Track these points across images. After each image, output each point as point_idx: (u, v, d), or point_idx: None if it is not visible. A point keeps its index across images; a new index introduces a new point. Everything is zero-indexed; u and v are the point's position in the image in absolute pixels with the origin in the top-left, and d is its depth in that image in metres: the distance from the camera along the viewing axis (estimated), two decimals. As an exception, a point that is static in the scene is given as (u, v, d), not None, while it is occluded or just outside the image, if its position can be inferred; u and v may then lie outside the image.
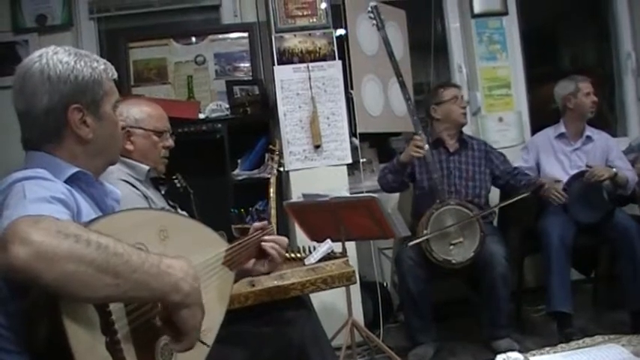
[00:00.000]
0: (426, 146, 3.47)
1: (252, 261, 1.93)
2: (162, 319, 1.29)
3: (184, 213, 2.24)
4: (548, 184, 3.63)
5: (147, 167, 2.31)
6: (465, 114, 3.85)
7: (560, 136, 3.96)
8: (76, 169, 1.45)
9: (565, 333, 3.32)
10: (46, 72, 1.43)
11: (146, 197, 2.21)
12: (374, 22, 3.58)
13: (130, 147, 2.30)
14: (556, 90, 3.99)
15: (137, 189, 2.21)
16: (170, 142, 2.43)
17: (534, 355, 1.81)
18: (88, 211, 1.40)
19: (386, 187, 3.76)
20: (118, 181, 2.08)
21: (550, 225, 3.54)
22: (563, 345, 1.95)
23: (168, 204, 2.38)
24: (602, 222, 3.57)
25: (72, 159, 1.47)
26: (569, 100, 3.90)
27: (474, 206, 3.50)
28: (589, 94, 3.87)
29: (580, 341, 1.94)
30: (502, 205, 3.57)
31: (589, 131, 3.95)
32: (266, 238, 1.95)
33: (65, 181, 1.41)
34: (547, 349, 1.88)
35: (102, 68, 1.52)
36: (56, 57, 1.46)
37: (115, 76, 1.58)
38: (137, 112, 2.35)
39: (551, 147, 3.96)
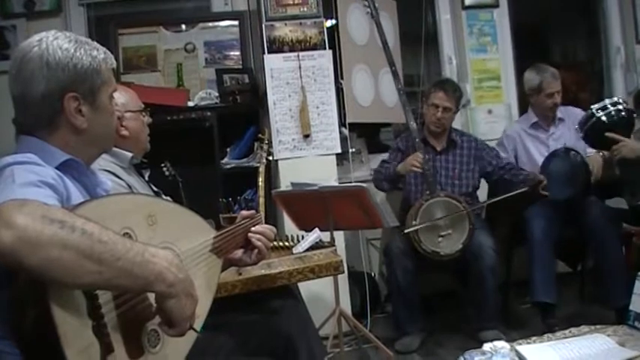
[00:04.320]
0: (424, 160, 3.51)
1: (240, 251, 1.92)
2: (157, 305, 1.29)
3: (168, 198, 2.22)
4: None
5: (130, 154, 2.29)
6: (436, 123, 3.74)
7: (534, 125, 3.92)
8: (67, 157, 1.43)
9: (547, 323, 3.36)
10: (45, 57, 1.40)
11: (129, 187, 2.19)
12: (368, 9, 3.57)
13: (125, 132, 2.27)
14: (524, 76, 3.90)
15: (120, 178, 2.18)
16: (149, 119, 2.42)
17: (520, 344, 1.82)
18: (79, 198, 1.38)
19: (380, 190, 3.83)
20: (100, 171, 2.06)
21: (534, 217, 3.55)
22: (549, 335, 1.97)
23: (152, 190, 2.36)
24: (577, 198, 3.54)
25: (64, 147, 1.44)
26: (531, 95, 3.86)
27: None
28: (552, 95, 3.77)
29: (566, 331, 1.95)
30: (498, 199, 3.52)
31: (559, 112, 3.89)
32: (253, 229, 1.93)
33: (57, 168, 1.39)
34: (533, 338, 1.90)
35: (102, 57, 1.49)
36: (56, 42, 1.42)
37: (114, 65, 1.55)
38: (118, 96, 2.32)
39: (528, 137, 3.92)
